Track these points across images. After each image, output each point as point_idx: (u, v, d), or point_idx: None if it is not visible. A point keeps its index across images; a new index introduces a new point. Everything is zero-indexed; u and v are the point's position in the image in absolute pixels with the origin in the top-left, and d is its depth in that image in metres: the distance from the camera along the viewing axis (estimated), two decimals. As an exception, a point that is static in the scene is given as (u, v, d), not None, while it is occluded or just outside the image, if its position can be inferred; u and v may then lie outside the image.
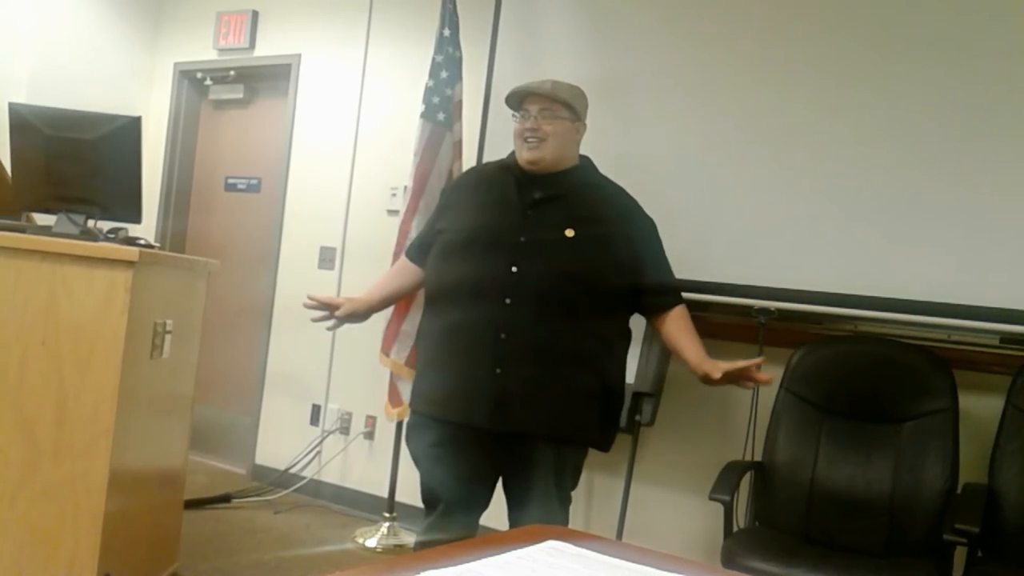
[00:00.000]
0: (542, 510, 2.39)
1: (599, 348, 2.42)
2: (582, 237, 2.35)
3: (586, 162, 2.56)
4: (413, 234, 3.43)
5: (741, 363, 2.30)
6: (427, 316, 2.54)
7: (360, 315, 2.66)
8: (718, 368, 2.31)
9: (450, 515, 2.43)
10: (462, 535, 2.38)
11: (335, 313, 2.61)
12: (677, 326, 2.45)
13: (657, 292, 2.48)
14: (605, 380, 2.43)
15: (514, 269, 2.32)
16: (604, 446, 2.52)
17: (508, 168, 2.52)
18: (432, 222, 2.66)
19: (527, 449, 2.38)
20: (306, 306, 2.62)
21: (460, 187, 2.67)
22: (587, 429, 2.44)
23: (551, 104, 2.43)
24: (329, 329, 2.71)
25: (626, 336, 2.51)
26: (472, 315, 2.35)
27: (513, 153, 2.55)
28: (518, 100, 2.48)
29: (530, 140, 2.41)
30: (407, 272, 2.69)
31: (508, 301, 2.31)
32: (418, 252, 2.65)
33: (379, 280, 2.77)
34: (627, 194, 2.54)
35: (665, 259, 2.53)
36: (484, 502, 2.50)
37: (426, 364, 2.51)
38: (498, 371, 2.31)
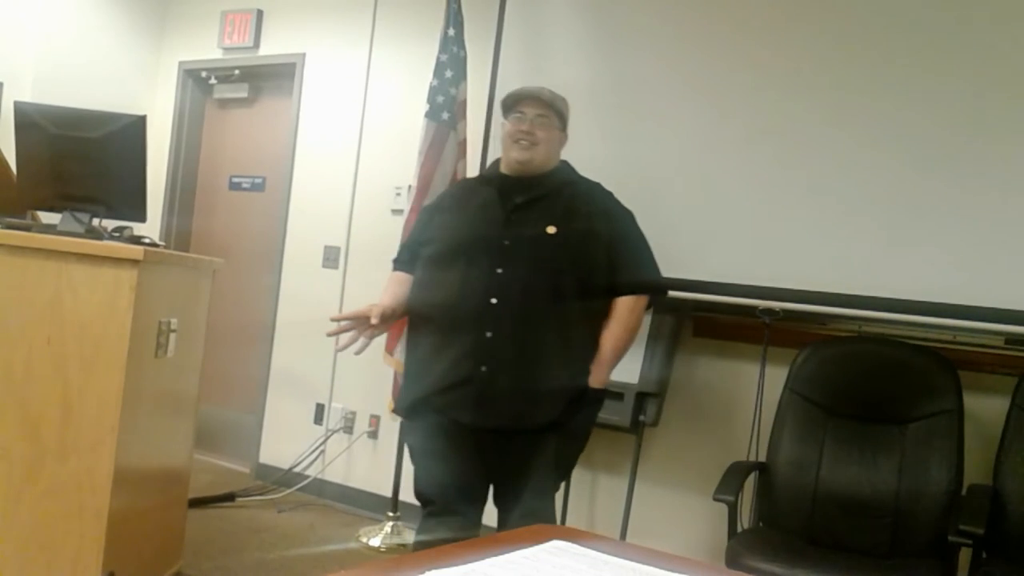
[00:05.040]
0: (528, 502, 2.40)
1: (582, 337, 2.43)
2: (563, 233, 2.40)
3: (564, 164, 2.59)
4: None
5: None
6: (415, 324, 2.53)
7: (389, 318, 2.50)
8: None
9: (447, 512, 2.44)
10: (462, 532, 2.40)
11: (372, 322, 2.39)
12: (612, 316, 2.45)
13: (619, 278, 2.46)
14: (586, 366, 2.43)
15: (499, 270, 2.37)
16: (583, 429, 2.51)
17: (489, 180, 2.58)
18: (416, 235, 2.66)
19: (512, 444, 2.40)
20: (332, 333, 2.43)
21: (441, 202, 2.69)
22: (569, 417, 2.42)
23: (547, 111, 2.48)
24: (358, 353, 2.43)
25: (605, 318, 2.48)
26: (459, 316, 2.38)
27: (494, 165, 2.60)
28: (514, 102, 2.51)
29: (522, 141, 2.45)
30: (405, 282, 2.60)
31: (494, 300, 2.35)
32: (409, 264, 2.61)
33: (386, 291, 2.61)
34: (603, 188, 2.57)
35: (642, 248, 2.53)
36: (481, 497, 2.50)
37: (414, 365, 2.51)
38: (483, 369, 2.34)
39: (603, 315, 2.46)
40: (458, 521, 2.43)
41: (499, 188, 2.50)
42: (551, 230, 2.39)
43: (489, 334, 2.34)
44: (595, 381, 2.42)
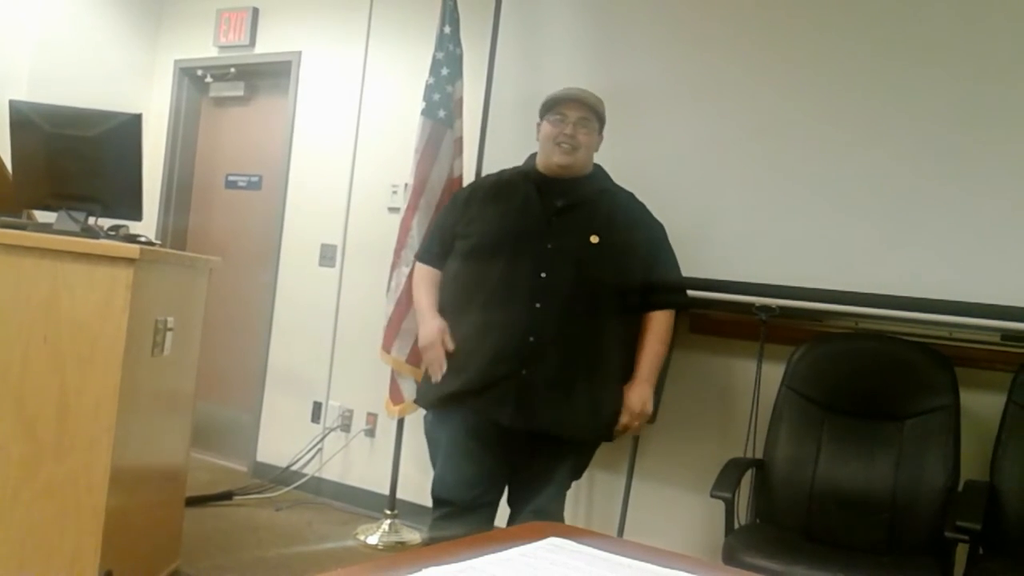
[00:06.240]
0: (542, 503, 2.44)
1: (618, 347, 2.49)
2: (605, 243, 2.43)
3: (599, 169, 2.62)
4: (414, 231, 3.44)
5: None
6: (449, 316, 2.51)
7: None
8: (625, 411, 2.47)
9: (465, 512, 2.45)
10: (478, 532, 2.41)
11: (449, 349, 2.45)
12: (649, 330, 2.53)
13: (653, 292, 2.55)
14: (623, 377, 2.50)
15: (543, 275, 2.39)
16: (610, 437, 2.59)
17: (527, 175, 2.57)
18: (448, 227, 2.62)
19: (544, 446, 2.43)
20: (436, 370, 2.47)
21: (477, 194, 2.64)
22: (603, 426, 2.50)
23: (589, 114, 2.50)
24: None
25: (638, 329, 2.57)
26: (501, 318, 2.39)
27: (529, 160, 2.61)
28: (555, 104, 2.51)
29: (564, 145, 2.47)
30: (439, 280, 2.62)
31: (538, 305, 2.38)
32: (440, 258, 2.61)
33: (430, 300, 2.60)
34: (637, 199, 2.62)
35: (674, 262, 2.62)
36: (498, 500, 2.53)
37: (450, 363, 2.48)
38: (524, 372, 2.36)
39: (637, 326, 2.53)
40: (475, 523, 2.44)
41: (538, 185, 2.51)
42: (594, 240, 2.43)
43: (532, 338, 2.37)
44: (639, 397, 2.47)
